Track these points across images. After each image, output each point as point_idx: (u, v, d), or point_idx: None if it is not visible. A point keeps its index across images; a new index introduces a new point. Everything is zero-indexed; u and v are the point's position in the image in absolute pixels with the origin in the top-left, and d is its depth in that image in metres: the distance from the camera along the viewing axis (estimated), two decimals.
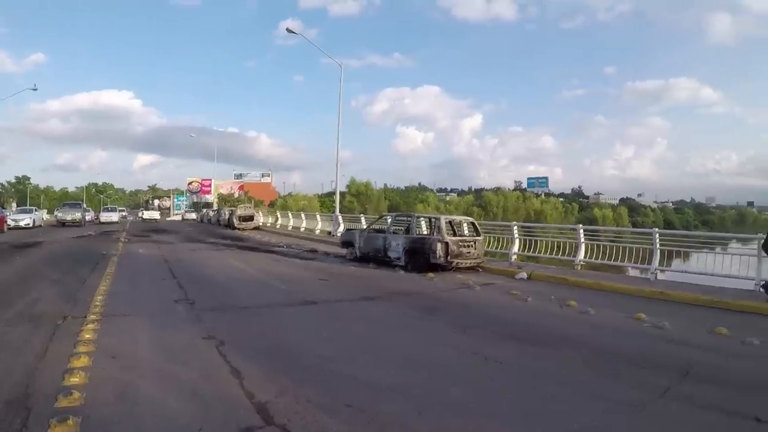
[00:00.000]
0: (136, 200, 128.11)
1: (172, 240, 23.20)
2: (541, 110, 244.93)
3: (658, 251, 12.10)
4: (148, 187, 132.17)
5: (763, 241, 9.77)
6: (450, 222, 13.24)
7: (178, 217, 74.52)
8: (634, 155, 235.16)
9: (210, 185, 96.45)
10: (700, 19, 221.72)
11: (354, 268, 13.40)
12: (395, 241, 13.50)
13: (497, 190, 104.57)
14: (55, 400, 3.74)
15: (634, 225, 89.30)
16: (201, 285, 9.82)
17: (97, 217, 46.08)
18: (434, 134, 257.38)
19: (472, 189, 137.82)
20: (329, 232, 26.26)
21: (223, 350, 5.23)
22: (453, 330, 6.66)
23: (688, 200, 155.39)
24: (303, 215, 32.45)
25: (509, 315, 7.90)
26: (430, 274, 12.08)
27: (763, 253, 9.96)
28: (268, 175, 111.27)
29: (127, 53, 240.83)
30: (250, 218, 33.54)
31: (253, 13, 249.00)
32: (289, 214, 35.42)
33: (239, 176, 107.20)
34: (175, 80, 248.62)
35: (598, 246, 13.73)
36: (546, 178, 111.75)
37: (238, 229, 31.94)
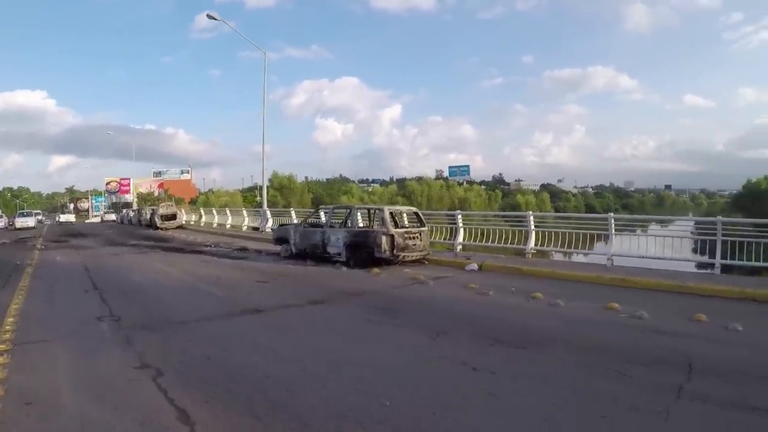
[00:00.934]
0: (53, 203, 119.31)
1: (92, 244, 21.26)
2: (460, 100, 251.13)
3: (614, 237, 11.92)
4: (66, 189, 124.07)
5: None
6: (392, 213, 12.27)
7: (98, 219, 70.79)
8: (553, 142, 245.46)
9: (129, 184, 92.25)
10: (617, 8, 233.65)
11: (292, 266, 12.41)
12: (335, 236, 12.57)
13: (420, 180, 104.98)
14: None
15: (556, 210, 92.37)
16: (126, 296, 8.61)
17: (12, 223, 42.97)
18: (354, 125, 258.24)
19: (394, 179, 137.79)
20: (257, 228, 25.13)
21: (163, 384, 4.22)
22: (424, 336, 5.88)
23: (608, 185, 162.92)
24: (228, 212, 30.97)
25: (477, 313, 7.24)
26: (376, 270, 11.34)
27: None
28: (188, 172, 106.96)
29: (38, 51, 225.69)
30: (173, 217, 31.62)
31: (168, 7, 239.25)
32: (214, 211, 33.63)
33: (158, 174, 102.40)
34: (91, 78, 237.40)
35: (548, 234, 13.31)
36: (467, 166, 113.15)
37: (161, 228, 29.98)
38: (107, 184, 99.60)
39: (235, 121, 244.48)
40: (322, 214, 16.06)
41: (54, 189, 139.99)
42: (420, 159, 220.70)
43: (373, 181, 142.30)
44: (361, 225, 13.01)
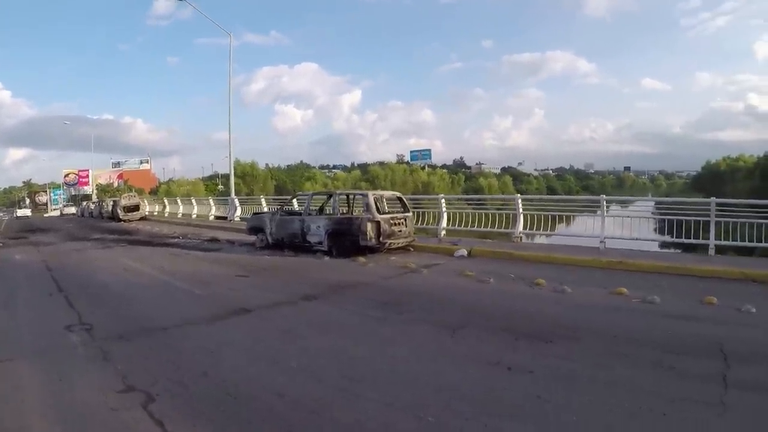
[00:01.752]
0: (11, 198, 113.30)
1: (53, 240, 19.83)
2: (420, 85, 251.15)
3: (606, 219, 11.61)
4: (23, 183, 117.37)
5: None
6: (376, 198, 11.68)
7: (57, 213, 67.96)
8: (512, 125, 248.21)
9: (88, 176, 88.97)
10: None
11: (270, 257, 11.69)
12: (315, 224, 11.88)
13: (384, 165, 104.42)
14: None
15: (519, 192, 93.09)
16: (96, 298, 7.69)
17: None
18: (313, 111, 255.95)
19: (355, 164, 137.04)
20: (224, 217, 24.29)
21: (157, 412, 3.47)
22: (440, 332, 5.34)
23: (568, 167, 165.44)
24: (194, 201, 29.78)
25: (485, 303, 6.77)
26: (361, 259, 10.80)
27: None
28: (147, 162, 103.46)
29: None
30: (136, 208, 30.21)
31: None
32: (178, 201, 32.20)
33: (117, 165, 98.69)
34: (46, 68, 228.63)
35: (533, 216, 12.98)
36: (429, 150, 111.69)
37: (124, 220, 28.62)
38: (65, 176, 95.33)
39: (194, 108, 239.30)
40: (295, 202, 15.43)
41: (11, 183, 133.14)
42: (380, 144, 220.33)
43: (334, 167, 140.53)
44: (342, 212, 12.29)
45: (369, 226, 10.81)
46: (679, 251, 11.52)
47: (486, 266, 9.60)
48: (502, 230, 13.15)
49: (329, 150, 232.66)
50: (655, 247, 11.94)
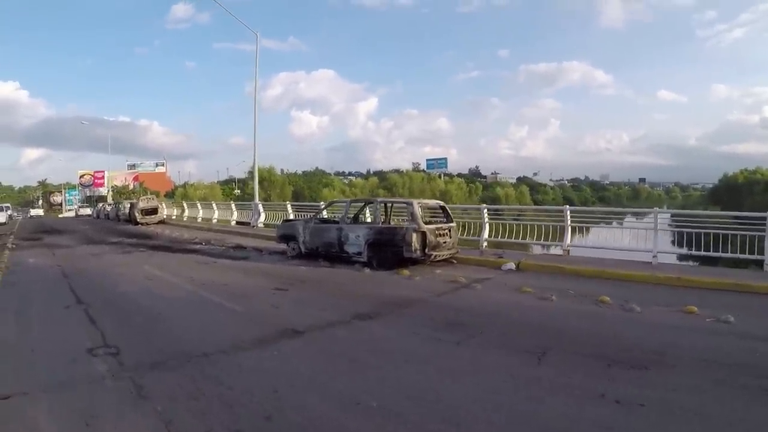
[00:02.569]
0: (26, 197, 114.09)
1: (69, 242, 18.93)
2: (436, 93, 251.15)
3: (658, 233, 10.91)
4: (38, 182, 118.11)
5: None
6: (422, 207, 10.87)
7: (72, 214, 67.59)
8: (528, 135, 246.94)
9: (103, 177, 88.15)
10: (594, 4, 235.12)
11: (305, 268, 10.82)
12: (354, 233, 11.02)
13: (404, 172, 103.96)
14: None
15: (535, 203, 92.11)
16: (119, 313, 6.82)
17: None
18: (329, 118, 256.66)
19: (371, 171, 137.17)
20: (246, 223, 23.54)
21: None
22: (525, 360, 4.70)
23: (583, 178, 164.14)
24: (214, 205, 28.91)
25: (557, 324, 6.10)
26: (405, 272, 9.96)
27: None
28: (163, 165, 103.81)
29: (10, 41, 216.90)
30: (154, 211, 29.28)
31: None
32: (198, 205, 31.46)
33: (132, 167, 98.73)
34: (64, 69, 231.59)
35: (585, 229, 12.21)
36: (445, 159, 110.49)
37: (141, 223, 27.78)
38: (81, 177, 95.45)
39: (211, 113, 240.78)
40: (324, 209, 14.67)
41: (26, 182, 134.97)
42: (395, 152, 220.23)
43: (350, 174, 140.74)
44: (382, 221, 11.43)
45: (414, 236, 9.95)
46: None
47: (539, 281, 8.96)
48: (548, 242, 12.37)
49: (345, 157, 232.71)
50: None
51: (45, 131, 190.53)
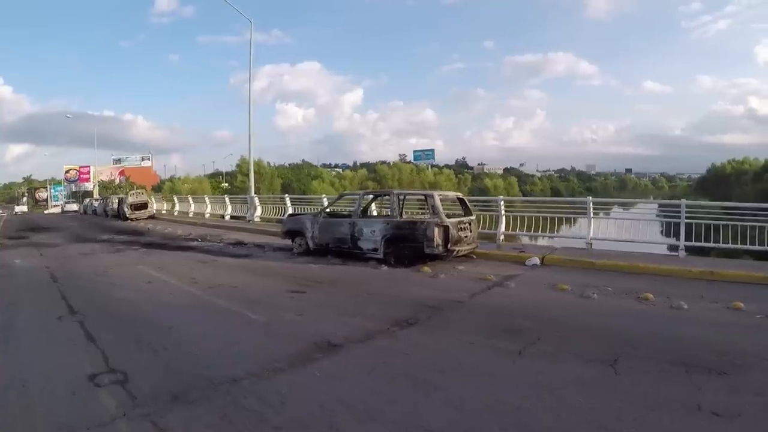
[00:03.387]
0: (11, 194, 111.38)
1: (57, 240, 17.75)
2: (421, 85, 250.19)
3: (684, 224, 10.41)
4: (23, 178, 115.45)
5: None
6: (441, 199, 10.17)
7: (58, 210, 65.95)
8: (514, 126, 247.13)
9: (89, 172, 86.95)
10: None
11: (317, 266, 10.04)
12: (369, 228, 10.22)
13: (391, 164, 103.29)
14: None
15: (524, 194, 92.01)
16: (122, 326, 5.82)
17: None
18: (315, 110, 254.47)
19: (358, 163, 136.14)
20: (242, 218, 22.70)
21: None
22: (599, 370, 4.20)
23: (569, 168, 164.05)
24: (207, 199, 27.82)
25: (612, 325, 5.63)
26: (426, 269, 9.27)
27: None
28: (149, 159, 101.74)
29: None
30: (144, 206, 28.29)
31: None
32: (189, 199, 30.30)
33: (118, 161, 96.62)
34: (48, 65, 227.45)
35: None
36: (432, 150, 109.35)
37: (131, 219, 26.71)
38: (66, 172, 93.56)
39: (194, 106, 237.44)
40: (325, 201, 13.88)
41: (11, 179, 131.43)
42: (381, 144, 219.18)
43: (335, 166, 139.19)
44: (396, 214, 10.64)
45: (437, 231, 9.23)
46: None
47: (571, 277, 8.40)
48: (567, 235, 11.82)
49: (330, 149, 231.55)
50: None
51: (29, 127, 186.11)
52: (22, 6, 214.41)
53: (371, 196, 12.53)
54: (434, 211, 9.66)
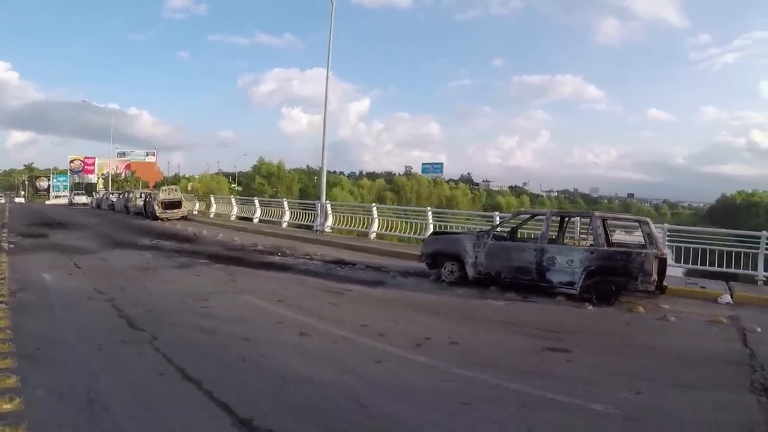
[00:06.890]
0: (10, 181, 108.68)
1: (85, 242, 14.44)
2: (428, 98, 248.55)
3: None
4: (24, 166, 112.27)
5: None
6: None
7: (62, 201, 63.49)
8: (517, 145, 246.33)
9: (93, 164, 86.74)
10: (590, 20, 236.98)
11: (501, 303, 8.17)
12: (564, 257, 8.50)
13: (409, 175, 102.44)
14: None
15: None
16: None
17: None
18: (321, 117, 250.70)
19: (364, 173, 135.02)
20: (307, 226, 20.91)
21: None
22: None
23: (572, 190, 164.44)
24: (257, 202, 25.48)
25: None
26: (639, 308, 7.90)
27: None
28: (153, 155, 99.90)
29: (4, 22, 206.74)
30: (177, 204, 24.82)
31: None
32: (232, 201, 28.15)
33: (123, 154, 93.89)
34: (57, 53, 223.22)
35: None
36: (441, 164, 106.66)
37: (161, 219, 23.56)
38: (71, 162, 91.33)
39: (201, 105, 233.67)
40: (509, 220, 11.83)
41: (11, 166, 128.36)
42: (384, 154, 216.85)
43: (339, 174, 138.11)
44: (602, 242, 8.63)
45: (654, 264, 7.82)
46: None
47: None
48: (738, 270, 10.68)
49: (333, 156, 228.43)
50: None
51: (33, 114, 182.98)
52: None
53: (559, 217, 10.56)
54: (650, 240, 8.17)
